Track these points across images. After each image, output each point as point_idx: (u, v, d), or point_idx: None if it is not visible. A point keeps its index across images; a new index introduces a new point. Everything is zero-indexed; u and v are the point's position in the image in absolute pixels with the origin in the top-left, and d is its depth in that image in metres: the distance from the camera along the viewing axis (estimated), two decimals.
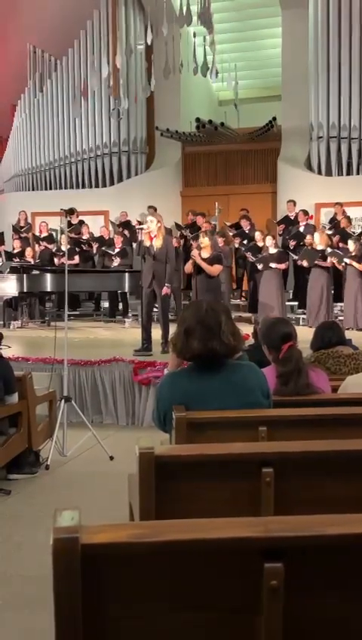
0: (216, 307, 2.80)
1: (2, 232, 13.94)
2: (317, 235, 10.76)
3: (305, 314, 10.79)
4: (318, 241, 10.55)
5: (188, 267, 8.71)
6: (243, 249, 11.93)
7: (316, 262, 10.36)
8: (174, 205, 14.72)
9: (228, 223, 13.01)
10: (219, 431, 2.64)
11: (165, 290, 7.85)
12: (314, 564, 1.37)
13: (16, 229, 14.01)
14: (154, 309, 8.52)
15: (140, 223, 9.70)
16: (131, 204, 13.89)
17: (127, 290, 11.15)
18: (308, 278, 10.67)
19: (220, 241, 11.37)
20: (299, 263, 10.83)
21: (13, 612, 3.21)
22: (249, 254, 11.43)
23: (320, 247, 10.48)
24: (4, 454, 4.92)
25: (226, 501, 2.16)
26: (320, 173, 13.50)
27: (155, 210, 12.30)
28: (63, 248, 11.36)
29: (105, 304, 12.76)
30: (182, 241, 12.64)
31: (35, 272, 11.23)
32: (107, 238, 13.09)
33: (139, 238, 8.13)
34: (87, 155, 15.22)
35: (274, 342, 3.39)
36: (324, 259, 10.37)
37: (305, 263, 10.56)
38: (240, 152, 14.84)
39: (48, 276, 10.89)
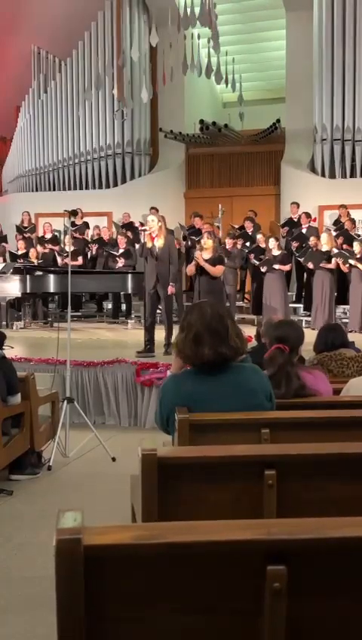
0: (220, 311, 2.80)
1: (6, 235, 13.94)
2: (324, 235, 10.78)
3: (308, 316, 10.79)
4: (325, 241, 10.55)
5: (191, 269, 8.72)
6: (245, 251, 11.94)
7: (321, 264, 10.37)
8: (177, 207, 14.73)
9: (236, 226, 13.00)
10: (222, 433, 2.64)
11: (170, 289, 7.84)
12: (316, 566, 1.37)
13: (20, 230, 14.03)
14: (158, 311, 8.52)
15: (143, 225, 9.71)
16: (135, 206, 13.91)
17: (130, 291, 11.16)
18: (312, 281, 10.69)
19: (230, 242, 11.38)
20: (303, 263, 10.86)
21: (16, 613, 3.21)
22: (252, 256, 11.44)
23: (325, 248, 10.49)
24: (7, 455, 4.92)
25: (229, 503, 2.16)
26: (323, 175, 13.50)
27: (157, 211, 12.31)
28: (67, 249, 11.38)
29: (108, 305, 12.77)
30: (184, 243, 12.65)
31: (38, 272, 11.25)
32: (107, 239, 13.09)
33: (142, 240, 8.12)
34: (91, 157, 15.24)
35: (270, 342, 3.41)
36: (329, 261, 10.38)
37: (310, 265, 10.58)
38: (244, 154, 14.85)
39: (51, 277, 10.90)
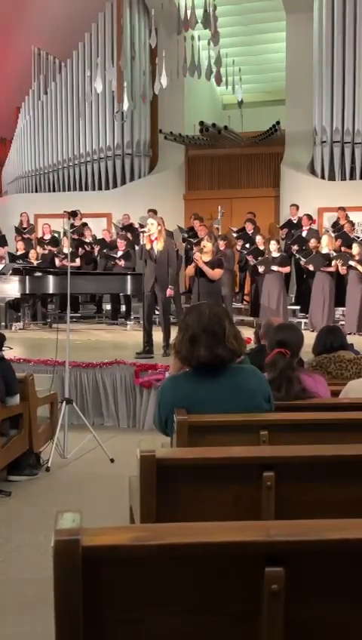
0: (218, 312, 2.80)
1: (4, 235, 13.93)
2: (325, 237, 10.77)
3: (306, 318, 10.79)
4: (325, 244, 10.55)
5: (190, 270, 8.73)
6: (244, 252, 11.94)
7: (321, 267, 10.39)
8: (177, 208, 14.73)
9: (234, 229, 12.99)
10: (221, 434, 2.64)
11: (169, 291, 7.85)
12: (315, 568, 1.37)
13: (19, 231, 14.02)
14: (156, 312, 8.53)
15: (142, 227, 9.72)
16: (134, 207, 13.91)
17: (129, 292, 11.15)
18: (311, 283, 10.70)
19: (222, 244, 11.38)
20: (303, 265, 10.87)
21: (14, 614, 3.20)
22: (250, 257, 11.44)
23: (325, 251, 10.49)
24: (5, 456, 4.92)
25: (227, 505, 2.16)
26: (323, 177, 13.52)
27: (155, 213, 12.32)
28: (65, 250, 11.38)
29: (107, 306, 12.76)
30: (184, 245, 12.66)
31: (38, 273, 11.24)
32: (108, 240, 13.09)
33: (142, 242, 8.13)
34: (91, 158, 15.25)
35: (271, 344, 3.41)
36: (329, 264, 10.39)
37: (311, 267, 10.58)
38: (244, 156, 14.85)
39: (50, 278, 10.90)
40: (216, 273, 8.42)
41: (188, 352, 2.72)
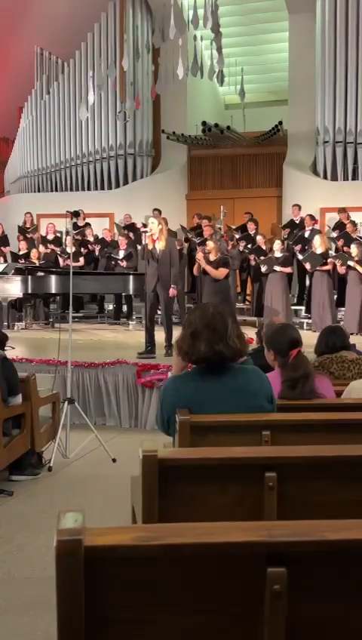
0: (223, 310, 2.80)
1: (6, 235, 13.94)
2: (317, 237, 10.75)
3: (309, 318, 10.79)
4: (318, 244, 10.54)
5: (196, 270, 8.74)
6: (246, 252, 11.93)
7: (318, 267, 10.38)
8: (179, 208, 14.74)
9: (234, 227, 13.00)
10: (223, 435, 2.64)
11: (172, 291, 7.84)
12: (317, 569, 1.37)
13: (22, 230, 14.03)
14: (158, 312, 8.52)
15: (145, 226, 9.71)
16: (137, 207, 13.92)
17: (131, 292, 11.16)
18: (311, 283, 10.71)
19: (228, 244, 11.39)
20: (302, 262, 10.86)
21: (15, 614, 3.20)
22: (253, 257, 11.44)
23: (319, 251, 10.48)
24: (7, 455, 4.92)
25: (229, 505, 2.16)
26: (325, 177, 13.51)
27: (160, 212, 12.32)
28: (68, 250, 11.38)
29: (110, 306, 12.77)
30: (186, 245, 12.66)
31: (40, 273, 11.25)
32: (109, 240, 13.09)
33: (143, 242, 8.12)
34: (93, 158, 15.26)
35: (281, 346, 3.39)
36: (326, 263, 10.38)
37: (308, 265, 10.58)
38: (246, 156, 14.85)
39: (53, 278, 10.90)
40: (220, 272, 8.41)
41: (190, 347, 2.73)
